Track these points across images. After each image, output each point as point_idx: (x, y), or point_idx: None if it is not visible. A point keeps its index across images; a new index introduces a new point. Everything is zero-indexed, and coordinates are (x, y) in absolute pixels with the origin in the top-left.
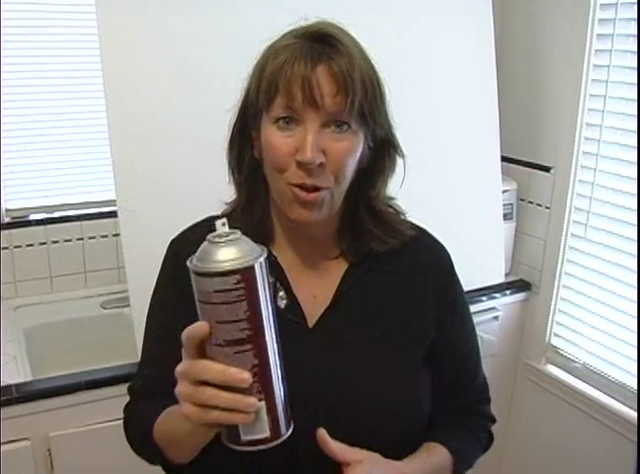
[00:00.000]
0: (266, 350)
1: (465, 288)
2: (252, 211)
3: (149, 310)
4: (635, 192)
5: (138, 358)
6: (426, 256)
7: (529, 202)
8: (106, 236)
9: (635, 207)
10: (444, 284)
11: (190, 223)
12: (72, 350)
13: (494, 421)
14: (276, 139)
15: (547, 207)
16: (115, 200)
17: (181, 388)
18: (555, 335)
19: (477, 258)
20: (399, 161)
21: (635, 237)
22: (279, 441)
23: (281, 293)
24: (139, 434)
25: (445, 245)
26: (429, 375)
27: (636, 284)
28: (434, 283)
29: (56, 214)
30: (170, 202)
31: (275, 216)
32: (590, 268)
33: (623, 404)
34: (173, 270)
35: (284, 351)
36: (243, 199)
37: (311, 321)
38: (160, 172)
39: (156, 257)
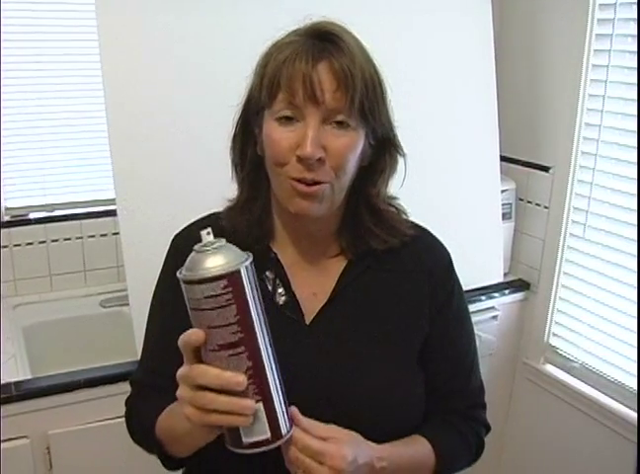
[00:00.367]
0: (259, 351)
1: (464, 288)
2: (253, 208)
3: (151, 304)
4: (635, 191)
5: (138, 357)
6: (425, 255)
7: (528, 202)
8: (105, 235)
9: (635, 207)
10: (442, 281)
11: (192, 219)
12: (71, 348)
13: (488, 428)
14: (277, 134)
15: (546, 207)
16: (114, 199)
17: (181, 392)
18: (554, 334)
19: (476, 257)
20: (400, 160)
21: (635, 237)
22: (280, 442)
23: (280, 290)
24: (141, 429)
25: (444, 244)
26: (424, 373)
27: (636, 284)
28: (431, 281)
29: (56, 213)
30: (169, 202)
31: (275, 213)
32: (588, 267)
33: (622, 404)
34: (175, 265)
35: (282, 347)
36: (245, 196)
37: (309, 318)
38: (159, 171)
39: (156, 256)
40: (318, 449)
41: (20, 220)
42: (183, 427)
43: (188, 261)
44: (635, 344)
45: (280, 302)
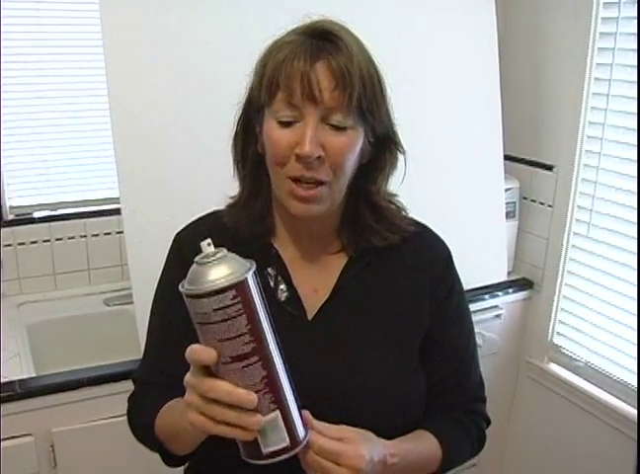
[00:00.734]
0: (272, 359)
1: (467, 287)
2: (254, 205)
3: (153, 302)
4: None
5: (141, 355)
6: (425, 251)
7: (532, 201)
8: (109, 234)
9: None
10: (441, 277)
11: (194, 217)
12: (75, 346)
13: (489, 422)
14: (276, 133)
15: (550, 206)
16: (118, 198)
17: (189, 398)
18: (557, 333)
19: (479, 256)
20: (400, 158)
21: (637, 235)
22: (299, 448)
23: (282, 286)
24: (141, 425)
25: (448, 243)
26: (424, 369)
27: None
28: (431, 277)
29: (60, 212)
30: (173, 200)
31: (276, 210)
32: (592, 266)
33: (626, 403)
34: (177, 262)
35: (284, 343)
36: (246, 193)
37: (311, 314)
38: (163, 170)
39: (159, 254)
40: (335, 450)
41: (24, 219)
42: (181, 423)
43: (190, 274)
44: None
45: (282, 298)
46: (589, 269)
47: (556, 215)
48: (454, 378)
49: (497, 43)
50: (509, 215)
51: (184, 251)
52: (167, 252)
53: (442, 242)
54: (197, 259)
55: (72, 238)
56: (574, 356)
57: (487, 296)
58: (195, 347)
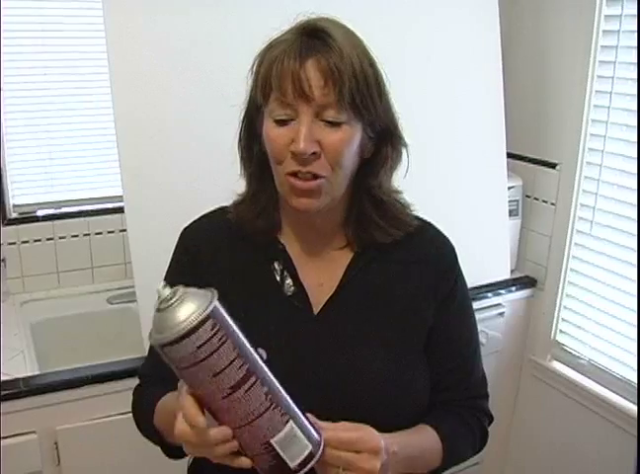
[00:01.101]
0: (266, 373)
1: (471, 285)
2: (260, 201)
3: None
4: None
5: (145, 353)
6: (430, 247)
7: (535, 199)
8: (112, 232)
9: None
10: (445, 273)
11: (199, 214)
12: (79, 344)
13: (491, 418)
14: (273, 133)
15: (553, 204)
16: (121, 196)
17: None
18: (560, 331)
19: (482, 254)
20: (403, 152)
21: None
22: (321, 450)
23: (289, 281)
24: (142, 419)
25: (448, 238)
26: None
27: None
28: (435, 272)
29: (63, 210)
30: (176, 198)
31: (281, 207)
32: (595, 264)
33: (629, 401)
34: (183, 258)
35: (291, 337)
36: (252, 191)
37: (316, 308)
38: (166, 168)
39: (163, 252)
40: (353, 439)
41: (28, 217)
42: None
43: (156, 323)
44: None
45: (289, 293)
46: (592, 267)
47: (559, 213)
48: (457, 374)
49: (500, 41)
50: (512, 213)
51: (189, 247)
52: (172, 249)
53: (447, 239)
54: (157, 306)
55: (76, 236)
56: (577, 354)
57: (490, 294)
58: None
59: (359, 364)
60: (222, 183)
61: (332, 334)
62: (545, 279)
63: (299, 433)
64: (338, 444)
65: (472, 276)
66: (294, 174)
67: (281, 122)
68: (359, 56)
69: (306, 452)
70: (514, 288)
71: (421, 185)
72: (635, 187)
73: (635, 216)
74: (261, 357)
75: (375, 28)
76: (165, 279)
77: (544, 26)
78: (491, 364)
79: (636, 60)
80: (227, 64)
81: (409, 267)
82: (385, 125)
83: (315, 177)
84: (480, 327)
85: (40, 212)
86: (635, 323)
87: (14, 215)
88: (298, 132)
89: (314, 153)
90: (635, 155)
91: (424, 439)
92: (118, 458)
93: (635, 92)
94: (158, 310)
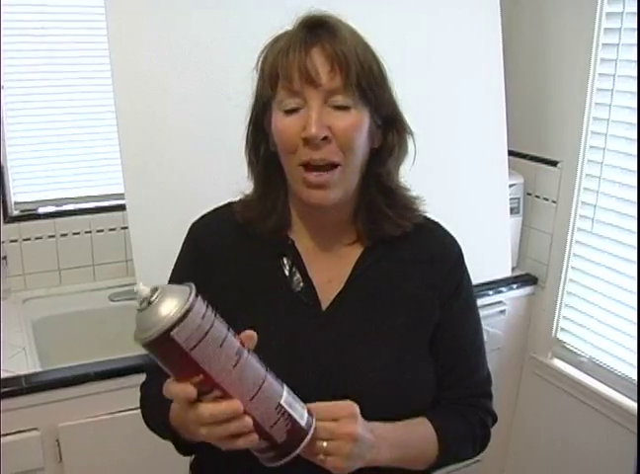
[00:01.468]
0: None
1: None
2: (267, 200)
3: None
4: None
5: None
6: (437, 245)
7: (536, 197)
8: (114, 229)
9: None
10: (451, 272)
11: (202, 212)
12: (80, 342)
13: (495, 418)
14: (283, 122)
15: (554, 202)
16: (123, 194)
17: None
18: (561, 329)
19: (484, 252)
20: (410, 146)
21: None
22: (314, 420)
23: (297, 277)
24: (152, 415)
25: (458, 241)
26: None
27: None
28: (441, 270)
29: (65, 207)
30: (178, 196)
31: (292, 204)
32: (596, 262)
33: (630, 398)
34: (191, 253)
35: (298, 332)
36: (259, 192)
37: (325, 304)
38: (168, 166)
39: (164, 249)
40: (329, 405)
41: (29, 214)
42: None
43: (140, 325)
44: None
45: (297, 289)
46: (593, 264)
47: (560, 211)
48: (461, 372)
49: (501, 39)
50: (513, 211)
51: (198, 241)
52: (174, 249)
53: (453, 238)
54: (140, 306)
55: (77, 234)
56: (578, 352)
57: (491, 292)
58: (171, 386)
59: (365, 360)
60: (224, 180)
61: (340, 330)
62: (546, 277)
63: (292, 393)
64: (316, 411)
65: (473, 274)
66: (307, 165)
67: (290, 112)
68: (361, 45)
69: (305, 411)
70: (515, 286)
71: (422, 182)
72: (636, 184)
73: (636, 214)
74: None
75: (376, 27)
76: (172, 274)
77: (545, 24)
78: (492, 362)
79: (637, 58)
80: (228, 64)
81: (416, 265)
82: (391, 112)
83: (328, 166)
84: None
85: (42, 210)
86: (636, 320)
87: (15, 213)
88: (309, 118)
89: (325, 138)
90: (636, 153)
91: (415, 427)
92: (120, 455)
93: (636, 90)
94: (139, 310)
